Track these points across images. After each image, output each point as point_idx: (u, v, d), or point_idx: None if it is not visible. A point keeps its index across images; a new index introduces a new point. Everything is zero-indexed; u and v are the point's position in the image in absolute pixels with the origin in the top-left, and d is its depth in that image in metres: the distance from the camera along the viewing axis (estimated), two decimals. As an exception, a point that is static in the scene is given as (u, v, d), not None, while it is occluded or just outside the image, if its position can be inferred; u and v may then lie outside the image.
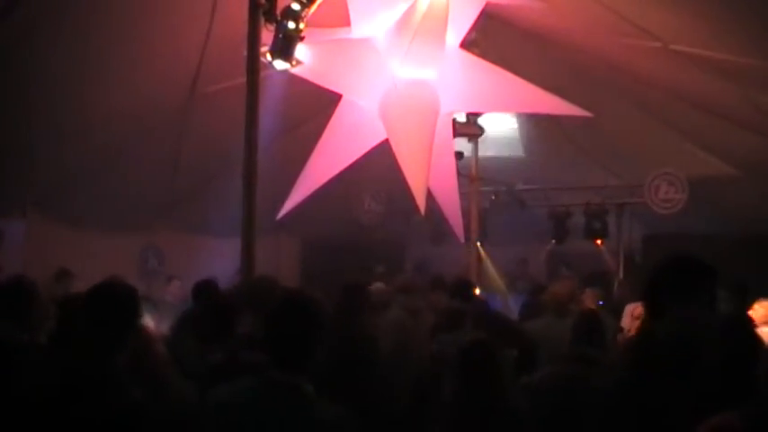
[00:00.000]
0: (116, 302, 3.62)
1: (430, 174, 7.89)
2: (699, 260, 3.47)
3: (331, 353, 3.21)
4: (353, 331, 5.98)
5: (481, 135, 10.77)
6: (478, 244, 12.42)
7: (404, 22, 7.65)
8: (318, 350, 3.18)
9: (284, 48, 7.10)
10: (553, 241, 14.31)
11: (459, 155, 10.06)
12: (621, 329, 8.19)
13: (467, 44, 8.66)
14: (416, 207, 7.84)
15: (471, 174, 11.72)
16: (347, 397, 3.27)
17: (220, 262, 10.28)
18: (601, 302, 9.58)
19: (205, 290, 7.00)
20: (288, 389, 3.08)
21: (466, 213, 10.66)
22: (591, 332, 5.21)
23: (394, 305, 7.25)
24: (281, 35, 7.00)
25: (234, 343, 4.40)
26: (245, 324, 4.39)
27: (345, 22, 8.00)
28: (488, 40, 9.67)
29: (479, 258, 12.75)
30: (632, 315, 8.31)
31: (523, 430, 4.14)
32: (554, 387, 4.80)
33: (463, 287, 7.70)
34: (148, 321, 3.76)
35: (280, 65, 7.22)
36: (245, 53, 6.68)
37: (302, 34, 7.09)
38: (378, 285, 7.65)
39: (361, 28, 7.99)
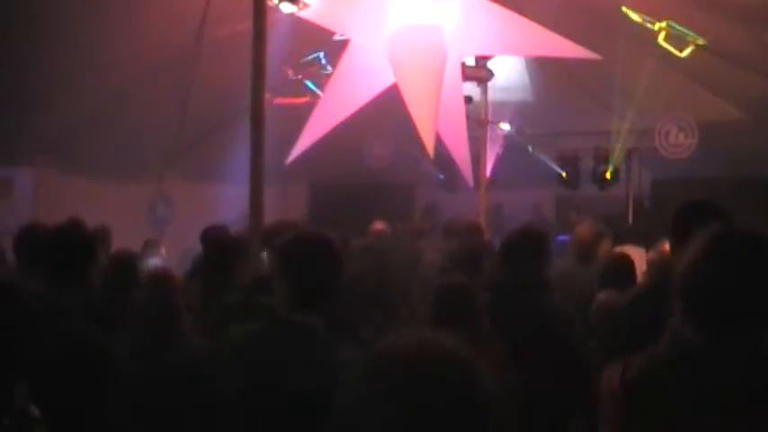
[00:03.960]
0: (74, 243, 3.92)
1: (438, 118, 7.86)
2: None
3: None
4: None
5: (490, 79, 10.69)
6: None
7: (412, -35, 7.56)
8: (336, 291, 3.11)
9: (291, -10, 7.04)
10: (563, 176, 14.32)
11: (467, 99, 10.00)
12: None
13: (476, -14, 8.55)
14: (425, 151, 7.82)
15: (480, 118, 11.66)
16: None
17: (228, 209, 10.27)
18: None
19: (213, 235, 7.03)
20: (300, 329, 3.01)
21: (475, 157, 10.63)
22: (619, 275, 5.08)
23: None
24: (287, -22, 6.94)
25: (251, 286, 4.40)
26: (263, 268, 4.37)
27: (353, -36, 7.91)
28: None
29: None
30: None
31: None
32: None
33: (474, 231, 7.64)
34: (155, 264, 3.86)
35: (287, 8, 7.16)
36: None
37: (309, -24, 7.03)
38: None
39: (369, -30, 7.91)
